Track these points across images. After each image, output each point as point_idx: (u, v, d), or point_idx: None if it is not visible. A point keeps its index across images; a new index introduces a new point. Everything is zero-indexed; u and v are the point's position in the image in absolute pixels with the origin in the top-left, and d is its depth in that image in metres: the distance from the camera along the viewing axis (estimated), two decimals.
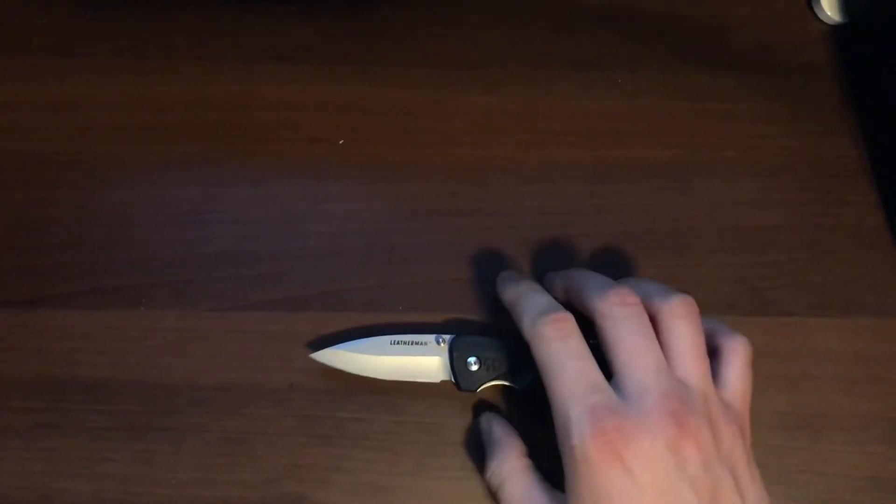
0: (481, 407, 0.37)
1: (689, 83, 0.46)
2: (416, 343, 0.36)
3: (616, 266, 0.40)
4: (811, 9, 0.48)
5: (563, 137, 0.44)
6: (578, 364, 0.30)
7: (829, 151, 0.44)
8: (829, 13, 0.47)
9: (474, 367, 0.35)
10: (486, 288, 0.39)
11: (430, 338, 0.36)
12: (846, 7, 0.47)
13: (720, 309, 0.39)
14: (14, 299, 0.39)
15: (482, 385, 0.35)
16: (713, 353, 0.32)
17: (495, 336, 0.36)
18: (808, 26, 0.48)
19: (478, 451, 0.35)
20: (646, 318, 0.31)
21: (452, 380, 0.36)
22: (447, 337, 0.36)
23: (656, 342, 0.30)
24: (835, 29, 0.48)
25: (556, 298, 0.33)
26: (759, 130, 0.44)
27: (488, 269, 0.39)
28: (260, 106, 0.44)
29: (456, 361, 0.35)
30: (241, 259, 0.40)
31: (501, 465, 0.33)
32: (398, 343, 0.36)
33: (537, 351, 0.31)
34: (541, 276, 0.37)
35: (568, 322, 0.31)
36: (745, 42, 0.48)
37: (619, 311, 0.31)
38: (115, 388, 0.37)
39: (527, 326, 0.32)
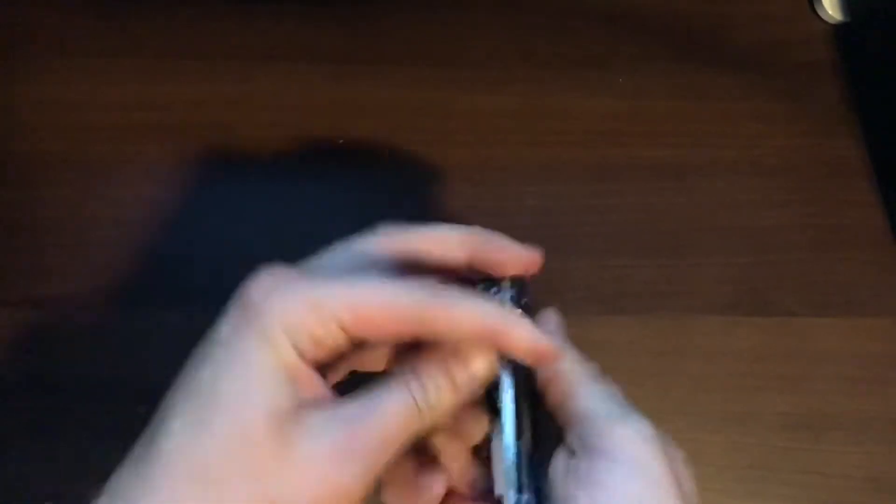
0: None
1: (689, 83, 0.46)
2: None
3: (616, 266, 0.40)
4: (812, 8, 0.48)
5: (563, 137, 0.44)
6: None
7: (830, 151, 0.44)
8: (830, 12, 0.47)
9: None
10: None
11: None
12: (848, 6, 0.47)
13: (720, 309, 0.39)
14: (14, 299, 0.39)
15: None
16: None
17: None
18: (810, 25, 0.48)
19: None
20: None
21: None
22: None
23: None
24: (836, 28, 0.48)
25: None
26: (759, 130, 0.44)
27: None
28: (260, 106, 0.44)
29: None
30: (241, 259, 0.40)
31: None
32: None
33: None
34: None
35: None
36: (746, 42, 0.47)
37: None
38: (116, 388, 0.37)
39: None
